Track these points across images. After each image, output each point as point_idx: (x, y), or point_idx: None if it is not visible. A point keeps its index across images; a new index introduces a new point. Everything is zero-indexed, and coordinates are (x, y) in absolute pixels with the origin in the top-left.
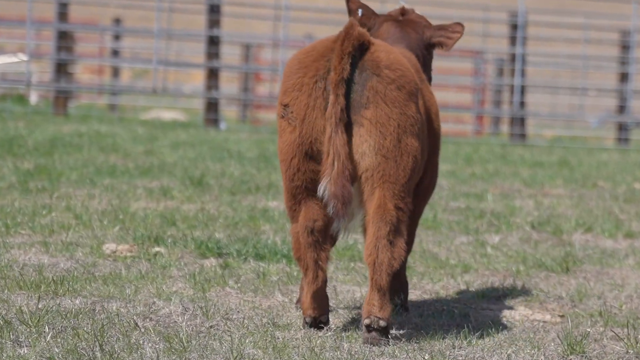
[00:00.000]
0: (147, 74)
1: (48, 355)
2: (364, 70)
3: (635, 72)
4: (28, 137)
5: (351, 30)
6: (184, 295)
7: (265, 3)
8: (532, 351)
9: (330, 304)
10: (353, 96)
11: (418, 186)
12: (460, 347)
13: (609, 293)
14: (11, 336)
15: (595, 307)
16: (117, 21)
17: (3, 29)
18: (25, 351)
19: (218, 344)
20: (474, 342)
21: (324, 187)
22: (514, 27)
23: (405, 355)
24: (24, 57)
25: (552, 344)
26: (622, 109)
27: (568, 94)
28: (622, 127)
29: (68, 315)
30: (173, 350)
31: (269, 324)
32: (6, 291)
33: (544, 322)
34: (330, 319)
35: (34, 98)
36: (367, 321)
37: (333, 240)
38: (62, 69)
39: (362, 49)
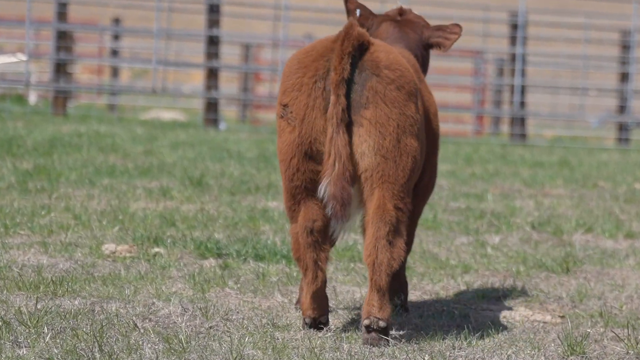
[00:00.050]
0: (147, 74)
1: (47, 356)
2: (363, 70)
3: (635, 72)
4: (27, 137)
5: (351, 30)
6: (184, 295)
7: (265, 3)
8: (532, 352)
9: (330, 304)
10: (353, 96)
11: (417, 186)
12: (460, 348)
13: (610, 293)
14: (10, 337)
15: (595, 308)
16: (117, 21)
17: (2, 28)
18: (25, 352)
19: (217, 344)
20: (474, 343)
21: (324, 188)
22: (514, 27)
23: (405, 356)
24: (23, 57)
25: (553, 345)
26: (622, 109)
27: (568, 94)
28: (622, 127)
29: (67, 315)
30: (172, 351)
31: (268, 324)
32: (5, 292)
33: (544, 322)
34: (329, 320)
35: (33, 98)
36: (366, 322)
37: (332, 240)
38: (61, 68)
39: (361, 49)
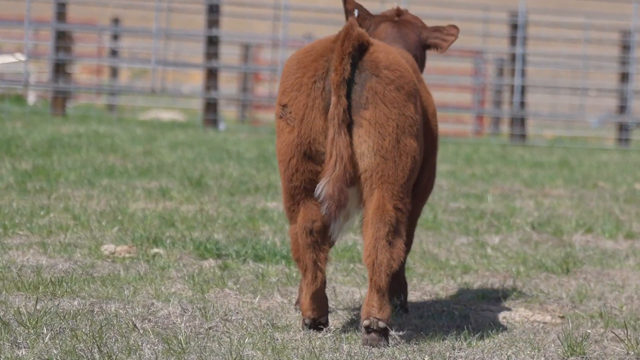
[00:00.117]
0: (146, 74)
1: (46, 357)
2: (363, 70)
3: (635, 72)
4: (26, 138)
5: (351, 31)
6: (183, 296)
7: (264, 3)
8: (532, 352)
9: (330, 305)
10: (352, 97)
11: (416, 186)
12: (460, 349)
13: (610, 294)
14: (9, 337)
15: (595, 308)
16: (116, 21)
17: (1, 28)
18: (24, 352)
19: (217, 345)
20: (474, 344)
21: (322, 187)
22: (514, 27)
23: (404, 357)
24: (22, 57)
25: (553, 345)
26: (622, 109)
27: (568, 94)
28: (622, 128)
29: (66, 316)
30: (172, 351)
31: (268, 325)
32: (4, 292)
33: (544, 323)
34: (329, 320)
35: (32, 98)
36: (366, 322)
37: (332, 241)
38: (60, 69)
39: (361, 49)
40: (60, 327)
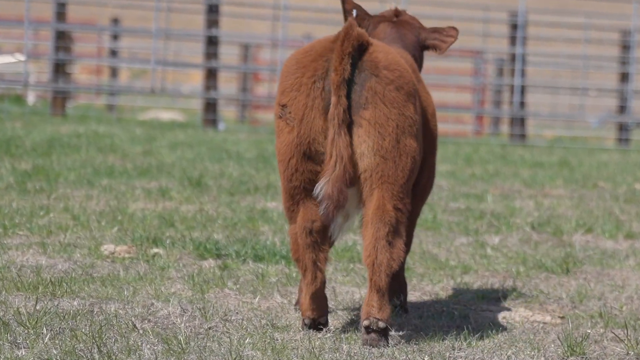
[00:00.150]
0: (146, 74)
1: (46, 357)
2: (362, 70)
3: (635, 72)
4: (26, 138)
5: (351, 31)
6: (183, 296)
7: (264, 3)
8: (532, 352)
9: (329, 305)
10: (352, 97)
11: (415, 186)
12: (460, 349)
13: (610, 294)
14: (9, 338)
15: (595, 309)
16: (115, 21)
17: (1, 28)
18: (23, 353)
19: (217, 345)
20: (474, 344)
21: (321, 187)
22: (514, 27)
23: (404, 357)
24: (21, 57)
25: (552, 346)
26: (622, 109)
27: (568, 94)
28: (622, 128)
29: (66, 316)
30: (171, 351)
31: (267, 325)
32: (4, 292)
33: (544, 323)
34: (329, 321)
35: (31, 98)
36: (366, 322)
37: (331, 241)
38: (60, 69)
39: (360, 49)
40: (59, 328)
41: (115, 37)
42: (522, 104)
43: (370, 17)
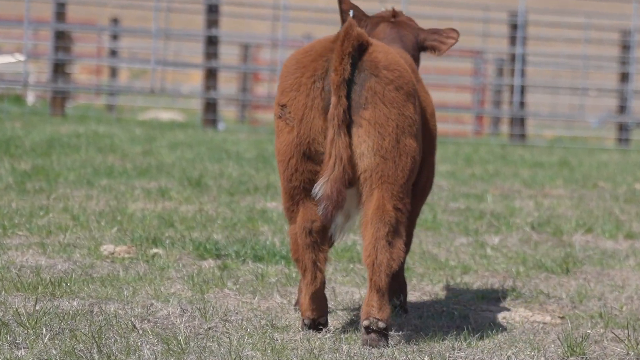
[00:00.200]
0: (145, 74)
1: (45, 357)
2: (362, 70)
3: (635, 72)
4: (25, 138)
5: (351, 31)
6: (182, 296)
7: (264, 3)
8: (532, 353)
9: (329, 305)
10: (352, 97)
11: (415, 186)
12: (460, 349)
13: (610, 294)
14: (8, 338)
15: (595, 309)
16: (115, 21)
17: (1, 28)
18: (23, 353)
19: (216, 345)
20: (474, 344)
21: (320, 187)
22: (514, 27)
23: (404, 357)
24: (21, 57)
25: (552, 346)
26: (622, 109)
27: (568, 94)
28: (622, 128)
29: (65, 317)
30: (171, 352)
31: (267, 325)
32: (3, 293)
33: (544, 323)
34: (329, 321)
35: (31, 98)
36: (366, 322)
37: (331, 241)
38: (59, 69)
39: (360, 49)
40: (59, 328)
41: (115, 37)
42: (522, 104)
43: (367, 18)
